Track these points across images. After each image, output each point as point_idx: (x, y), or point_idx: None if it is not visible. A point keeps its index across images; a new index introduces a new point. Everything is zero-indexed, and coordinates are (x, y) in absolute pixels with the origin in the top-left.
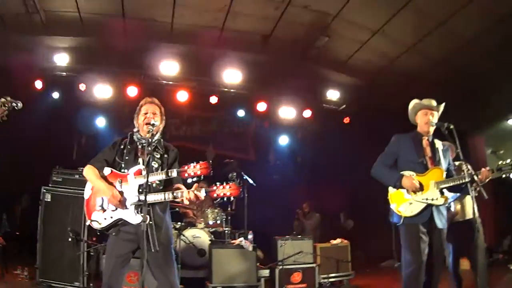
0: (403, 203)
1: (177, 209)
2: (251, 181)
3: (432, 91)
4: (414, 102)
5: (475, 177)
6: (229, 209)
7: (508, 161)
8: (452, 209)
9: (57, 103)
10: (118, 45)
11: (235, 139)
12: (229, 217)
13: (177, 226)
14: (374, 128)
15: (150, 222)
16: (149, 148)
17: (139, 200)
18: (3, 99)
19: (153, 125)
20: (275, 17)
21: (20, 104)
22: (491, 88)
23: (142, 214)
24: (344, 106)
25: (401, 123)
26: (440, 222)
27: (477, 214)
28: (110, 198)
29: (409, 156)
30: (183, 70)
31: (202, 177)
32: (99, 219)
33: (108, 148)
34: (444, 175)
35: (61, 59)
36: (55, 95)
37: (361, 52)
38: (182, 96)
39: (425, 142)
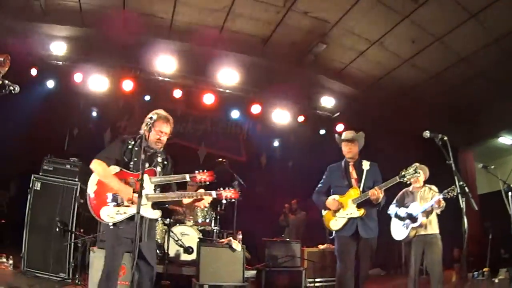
0: (331, 220)
1: (166, 205)
2: (241, 181)
3: (425, 104)
4: (336, 136)
5: (448, 195)
6: (218, 209)
7: (411, 170)
8: (418, 222)
9: (51, 92)
10: (117, 38)
11: (228, 140)
12: (218, 217)
13: (166, 222)
14: (366, 137)
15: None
16: (158, 159)
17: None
18: None
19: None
20: (275, 21)
21: (17, 88)
22: (483, 105)
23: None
24: (338, 114)
25: (392, 133)
26: (365, 232)
27: (466, 225)
28: (128, 198)
29: (337, 183)
30: (180, 67)
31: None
32: (111, 214)
33: (115, 145)
34: (359, 192)
35: (58, 48)
36: (50, 83)
37: (358, 62)
38: (177, 93)
39: (351, 167)
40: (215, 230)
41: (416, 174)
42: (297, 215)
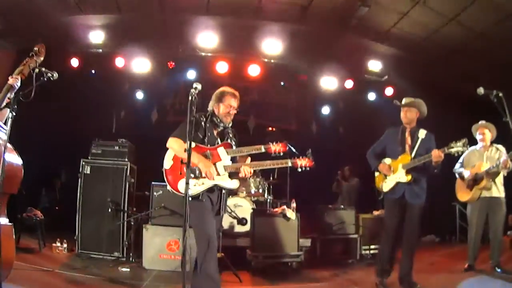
0: (382, 182)
1: None
2: (293, 150)
3: (472, 63)
4: (395, 102)
5: None
6: (271, 178)
7: (459, 143)
8: (483, 183)
9: (95, 79)
10: (154, 20)
11: (277, 109)
12: (271, 186)
13: None
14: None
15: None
16: (230, 135)
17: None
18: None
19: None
20: None
21: (55, 75)
22: None
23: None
24: (386, 77)
25: (443, 94)
26: (411, 197)
27: None
28: (208, 171)
29: (392, 146)
30: (221, 41)
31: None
32: (190, 186)
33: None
34: (410, 159)
35: (97, 37)
36: (93, 71)
37: (402, 23)
38: (222, 67)
39: (407, 132)
40: (268, 200)
41: (465, 148)
42: (350, 181)
